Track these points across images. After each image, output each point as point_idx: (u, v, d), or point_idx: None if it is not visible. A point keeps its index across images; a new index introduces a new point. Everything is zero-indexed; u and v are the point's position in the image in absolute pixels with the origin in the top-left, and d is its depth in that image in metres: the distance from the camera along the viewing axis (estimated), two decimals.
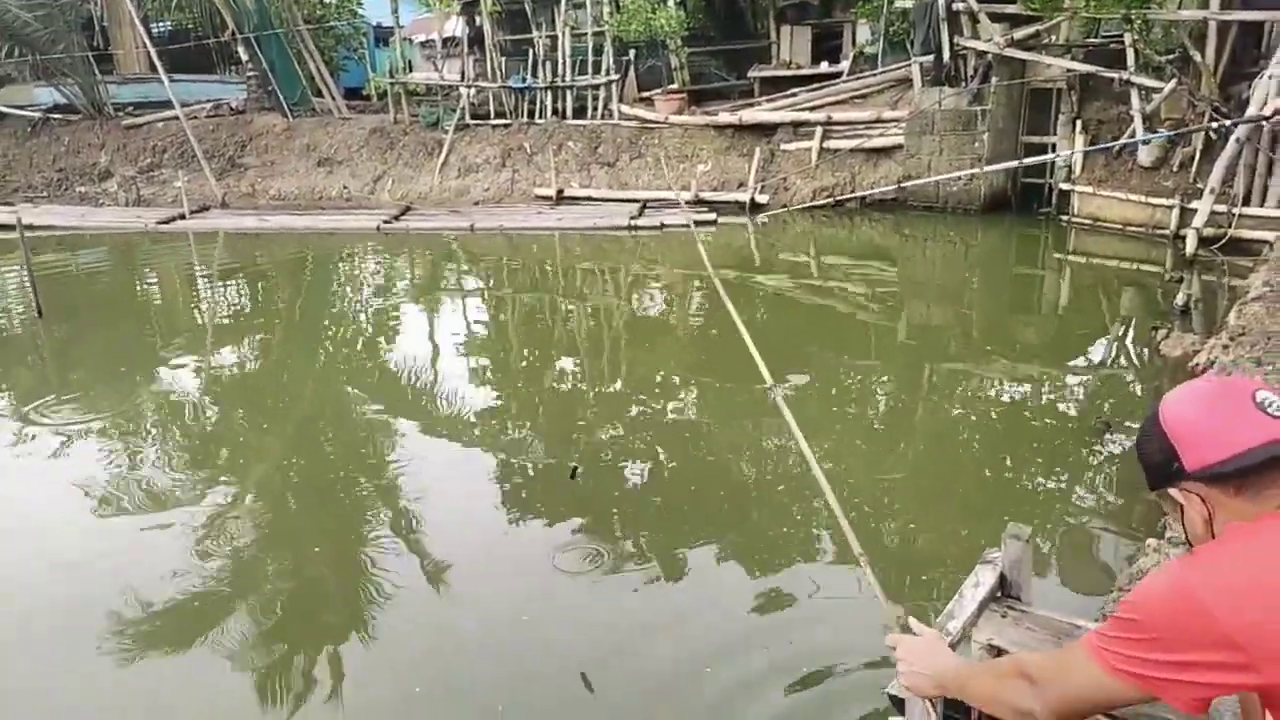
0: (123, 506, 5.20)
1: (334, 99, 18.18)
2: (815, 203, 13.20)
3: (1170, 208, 10.61)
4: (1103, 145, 11.48)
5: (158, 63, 16.20)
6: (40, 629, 4.05)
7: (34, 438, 6.24)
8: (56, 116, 18.00)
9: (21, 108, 18.11)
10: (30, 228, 10.76)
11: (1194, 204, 10.24)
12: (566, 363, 7.82)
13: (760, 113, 14.36)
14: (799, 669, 3.48)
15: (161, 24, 21.12)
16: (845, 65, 15.28)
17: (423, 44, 22.79)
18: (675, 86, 16.01)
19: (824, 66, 15.69)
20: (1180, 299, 8.05)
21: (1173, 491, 1.52)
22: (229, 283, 11.78)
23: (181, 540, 4.70)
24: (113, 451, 6.00)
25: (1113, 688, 1.47)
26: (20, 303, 9.94)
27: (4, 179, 17.49)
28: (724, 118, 14.45)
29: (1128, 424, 5.83)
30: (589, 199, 14.36)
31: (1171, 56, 11.61)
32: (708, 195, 13.82)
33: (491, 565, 4.47)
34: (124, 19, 19.12)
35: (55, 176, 17.29)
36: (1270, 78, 10.07)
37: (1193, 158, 10.89)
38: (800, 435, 2.48)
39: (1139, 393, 6.76)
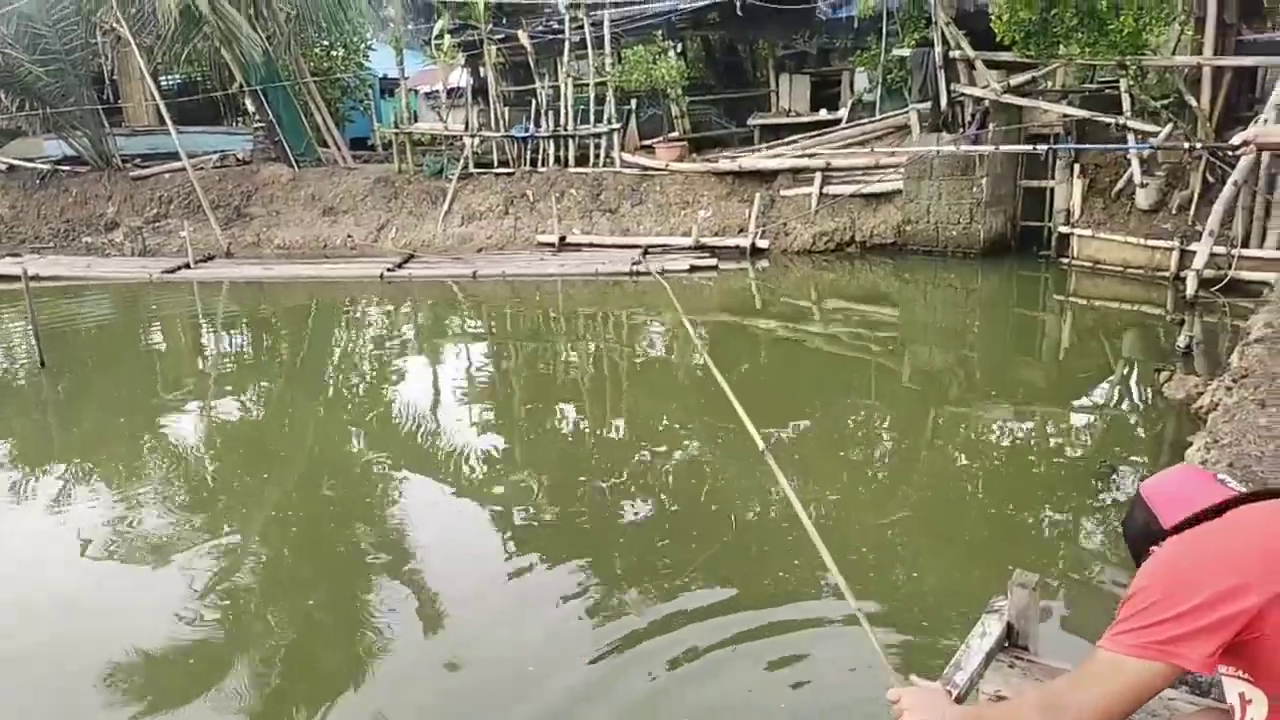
0: (122, 556, 5.18)
1: (339, 149, 18.39)
2: (815, 248, 13.28)
3: (1170, 250, 10.65)
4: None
5: (166, 115, 16.43)
6: (36, 678, 4.01)
7: (34, 487, 6.23)
8: (65, 168, 18.20)
9: (31, 160, 18.34)
10: (36, 278, 10.84)
11: (1193, 246, 10.27)
12: (568, 410, 7.80)
13: (760, 159, 14.51)
14: None
15: (170, 77, 21.48)
16: (844, 112, 15.48)
17: (427, 95, 23.11)
18: (676, 134, 16.21)
19: (823, 114, 15.90)
20: (1182, 341, 8.04)
21: (1154, 549, 1.72)
22: (232, 332, 11.82)
23: (181, 589, 4.67)
24: (113, 501, 5.98)
25: (1135, 676, 1.52)
26: (24, 354, 9.97)
27: (12, 230, 17.65)
28: (724, 164, 14.59)
29: (1133, 466, 5.79)
30: (591, 245, 14.45)
31: (1167, 101, 11.74)
32: (709, 240, 13.90)
33: (493, 615, 4.41)
34: (133, 73, 19.43)
35: (62, 227, 17.44)
36: (1264, 121, 10.16)
37: (1191, 200, 10.96)
38: (794, 496, 2.48)
39: (1143, 435, 6.72)
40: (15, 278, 10.91)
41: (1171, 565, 1.59)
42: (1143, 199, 11.38)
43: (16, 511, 5.89)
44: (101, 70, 19.79)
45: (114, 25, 17.09)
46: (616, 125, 15.49)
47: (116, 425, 7.73)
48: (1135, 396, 7.67)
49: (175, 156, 16.51)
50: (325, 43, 20.51)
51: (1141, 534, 1.77)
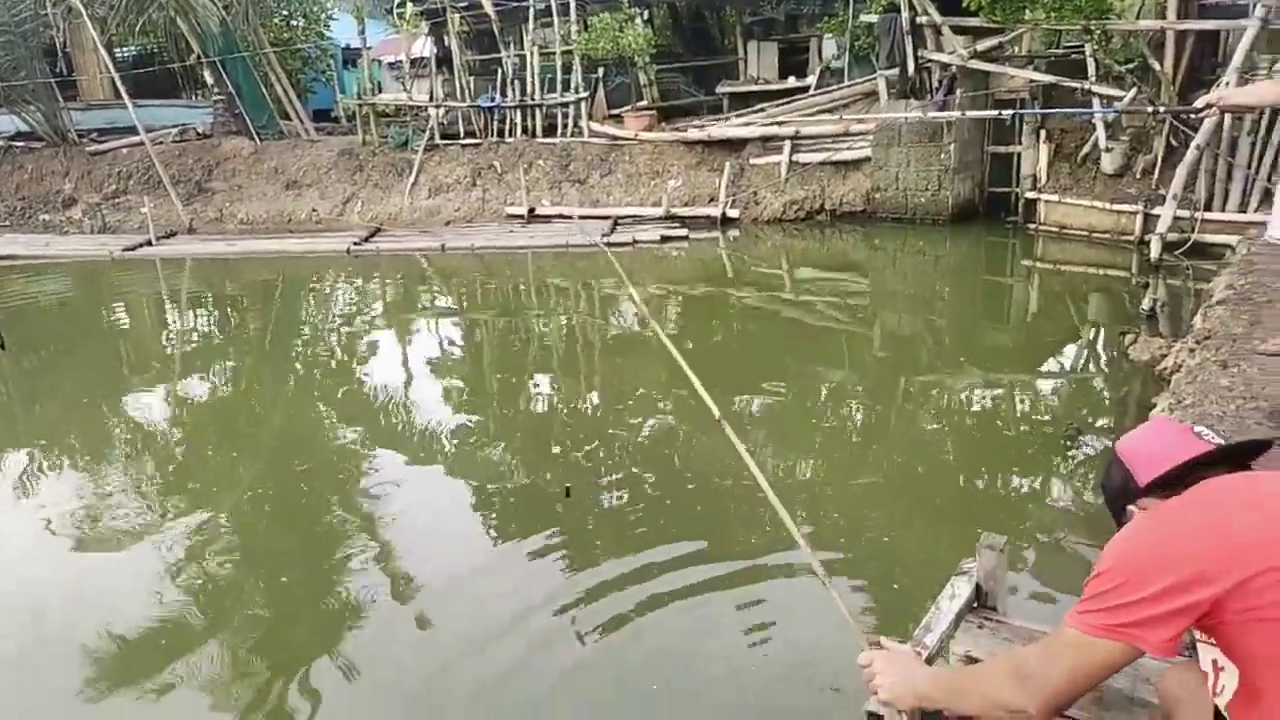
0: (91, 537, 5.11)
1: (302, 121, 18.08)
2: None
3: (1134, 214, 10.76)
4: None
5: (121, 88, 16.03)
6: (7, 667, 3.96)
7: None
8: (19, 144, 17.75)
9: None
10: None
11: (1157, 210, 10.40)
12: (540, 381, 7.78)
13: (729, 128, 14.45)
14: (773, 697, 3.45)
15: (126, 49, 20.91)
16: (812, 80, 15.42)
17: (391, 65, 22.72)
18: (644, 103, 16.08)
19: (791, 81, 15.83)
20: (1147, 304, 8.15)
21: (1130, 508, 1.75)
22: (197, 309, 11.65)
23: (152, 569, 4.62)
24: (80, 484, 5.90)
25: (1098, 654, 1.58)
26: None
27: None
28: (693, 134, 14.52)
29: (1099, 429, 5.88)
30: (560, 217, 14.36)
31: (1131, 66, 11.81)
32: (679, 211, 13.85)
33: (466, 590, 4.41)
34: (87, 45, 18.89)
35: (18, 205, 17.03)
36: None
37: (1155, 164, 11.07)
38: (752, 463, 2.48)
39: (1109, 397, 6.83)
40: None
41: (1136, 547, 1.60)
42: (1108, 163, 11.47)
43: None
44: (54, 42, 19.21)
45: None
46: (584, 94, 15.34)
47: (81, 406, 7.60)
48: (1101, 360, 7.78)
49: (133, 131, 16.13)
50: (285, 12, 20.09)
51: (1119, 492, 1.78)
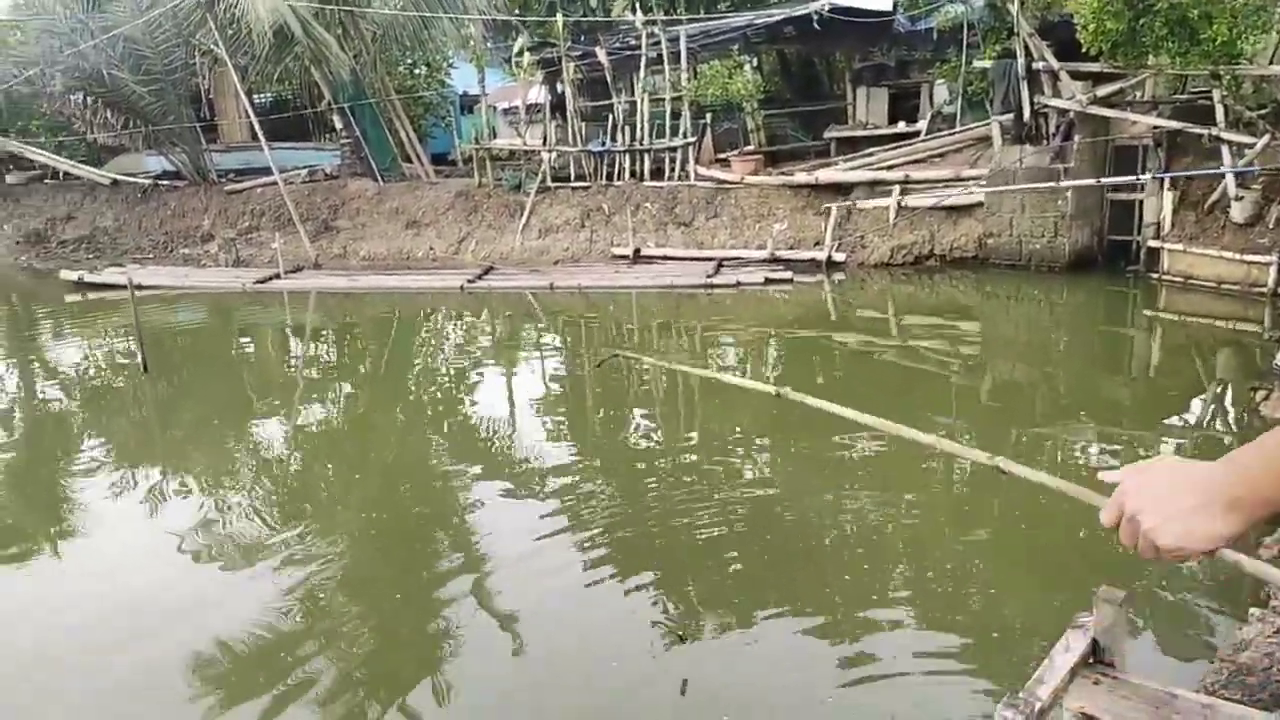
0: (211, 554, 5.39)
1: (422, 164, 18.90)
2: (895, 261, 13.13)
3: (1267, 265, 10.24)
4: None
5: (259, 132, 17.11)
6: (125, 673, 4.19)
7: (133, 487, 6.54)
8: (165, 183, 19.13)
9: (133, 175, 19.33)
10: (139, 287, 11.37)
11: None
12: (644, 421, 7.87)
13: (837, 172, 14.42)
14: None
15: (263, 95, 22.38)
16: (923, 125, 15.30)
17: (506, 111, 23.58)
18: (751, 148, 16.22)
19: (901, 126, 15.74)
20: None
21: None
22: (320, 340, 12.24)
23: (266, 589, 4.84)
24: (206, 501, 6.25)
25: None
26: (127, 358, 10.48)
27: (115, 241, 18.60)
28: (800, 178, 14.54)
29: None
30: (665, 258, 14.55)
31: (1264, 111, 11.32)
32: (783, 254, 13.86)
33: (566, 621, 4.48)
34: (229, 91, 20.32)
35: (161, 239, 18.31)
36: None
37: None
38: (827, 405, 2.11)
39: None
40: (121, 286, 11.49)
41: None
42: (1238, 212, 10.97)
43: (115, 509, 6.19)
44: (199, 89, 20.76)
45: (212, 46, 17.92)
46: (692, 139, 15.58)
47: (211, 428, 8.08)
48: (1229, 416, 7.40)
49: (267, 171, 17.19)
50: (409, 61, 21.13)
51: None
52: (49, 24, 18.66)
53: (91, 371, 10.64)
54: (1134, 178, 11.53)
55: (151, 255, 17.86)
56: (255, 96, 20.86)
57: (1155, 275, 11.50)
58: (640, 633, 4.25)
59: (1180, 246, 11.26)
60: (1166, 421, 7.43)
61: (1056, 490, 1.49)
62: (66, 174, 19.86)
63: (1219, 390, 8.17)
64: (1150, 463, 1.22)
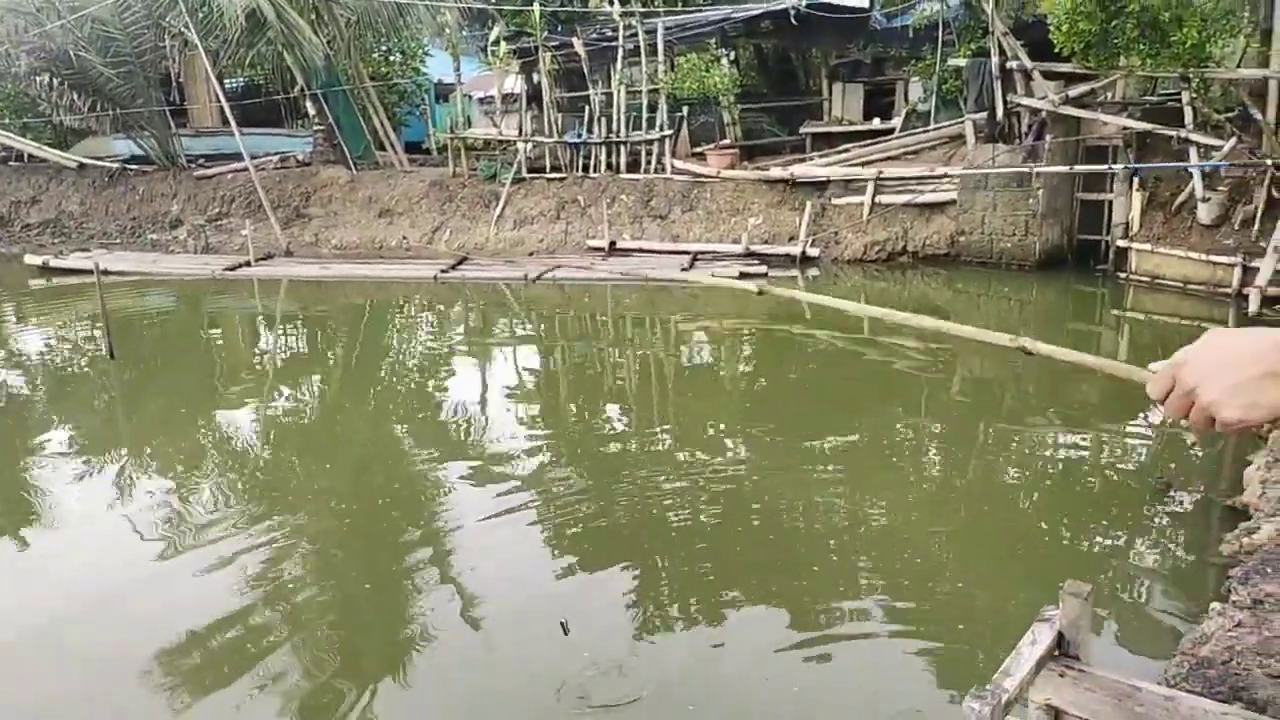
0: (176, 545, 5.31)
1: (396, 153, 18.74)
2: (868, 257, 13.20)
3: (1232, 265, 10.42)
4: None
5: (230, 117, 16.88)
6: (88, 665, 4.14)
7: (98, 474, 6.45)
8: (133, 167, 18.82)
9: (100, 159, 18.99)
10: (105, 273, 11.20)
11: (1256, 262, 10.05)
12: (616, 412, 7.87)
13: (812, 168, 14.48)
14: None
15: (234, 80, 22.06)
16: (897, 122, 15.40)
17: (482, 100, 23.43)
18: (727, 142, 16.24)
19: (876, 123, 15.83)
20: None
21: None
22: (290, 328, 12.11)
23: (232, 578, 4.79)
24: (170, 488, 6.16)
25: None
26: (92, 344, 10.32)
27: (81, 226, 18.29)
28: (775, 172, 14.59)
29: (1190, 484, 5.69)
30: (641, 251, 14.54)
31: (1231, 114, 11.50)
32: (759, 248, 13.90)
33: (535, 617, 4.47)
34: (199, 75, 20.01)
35: (129, 224, 18.03)
36: None
37: (1255, 215, 10.72)
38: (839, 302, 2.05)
39: (1200, 452, 6.60)
40: (87, 271, 11.30)
41: None
42: (1204, 214, 11.15)
43: (77, 497, 6.09)
44: (169, 73, 20.42)
45: (182, 30, 17.63)
46: (668, 132, 15.57)
47: (178, 415, 7.97)
48: None
49: (238, 157, 16.96)
50: (384, 48, 20.92)
51: None
52: (14, 3, 18.28)
53: (56, 358, 10.46)
54: (1105, 166, 11.68)
55: (119, 240, 17.58)
56: (226, 81, 20.55)
57: (1123, 275, 11.67)
58: (613, 620, 4.25)
59: (1148, 247, 11.43)
60: (1133, 420, 7.54)
61: (1093, 366, 1.49)
62: (31, 156, 19.46)
63: None
64: (1207, 336, 1.19)
